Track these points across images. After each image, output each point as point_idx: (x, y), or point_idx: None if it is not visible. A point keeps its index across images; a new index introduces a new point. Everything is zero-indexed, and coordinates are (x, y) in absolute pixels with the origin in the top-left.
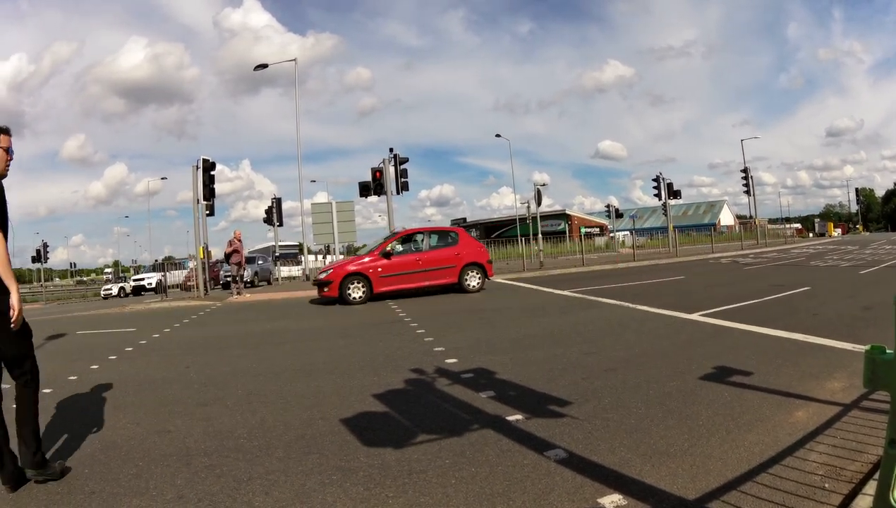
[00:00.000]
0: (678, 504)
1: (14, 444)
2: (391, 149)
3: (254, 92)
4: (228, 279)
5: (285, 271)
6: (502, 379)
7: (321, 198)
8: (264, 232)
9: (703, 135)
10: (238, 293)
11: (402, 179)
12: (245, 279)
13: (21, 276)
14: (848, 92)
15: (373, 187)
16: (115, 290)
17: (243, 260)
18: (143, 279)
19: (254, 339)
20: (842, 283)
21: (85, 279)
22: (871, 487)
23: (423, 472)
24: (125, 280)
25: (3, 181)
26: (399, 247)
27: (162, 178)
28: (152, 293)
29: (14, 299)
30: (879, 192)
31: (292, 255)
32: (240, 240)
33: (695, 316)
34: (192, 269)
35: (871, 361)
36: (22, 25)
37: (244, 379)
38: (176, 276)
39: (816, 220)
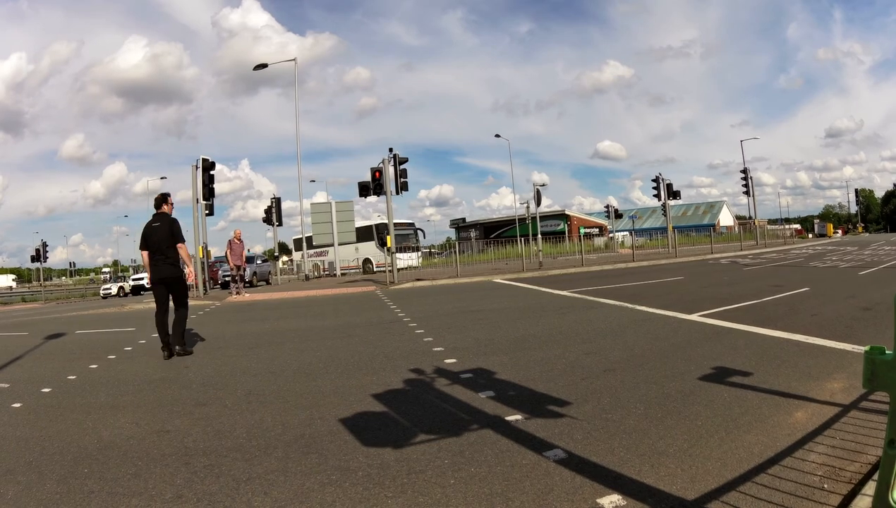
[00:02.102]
0: (677, 505)
1: None
2: (391, 149)
3: (253, 92)
4: (227, 278)
5: (402, 261)
6: (501, 379)
7: (321, 197)
8: (264, 231)
9: (702, 136)
10: (238, 292)
11: (402, 179)
12: (245, 279)
13: (20, 276)
14: (848, 92)
15: (372, 187)
16: (114, 290)
17: (243, 259)
18: (142, 278)
19: (253, 339)
20: (841, 284)
21: (94, 278)
22: (870, 488)
23: (421, 472)
24: (124, 279)
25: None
26: None
27: (161, 178)
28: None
29: (189, 270)
30: (879, 193)
31: (405, 237)
32: (240, 240)
33: (694, 317)
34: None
35: (871, 362)
36: (21, 25)
37: (243, 379)
38: None
39: (816, 221)
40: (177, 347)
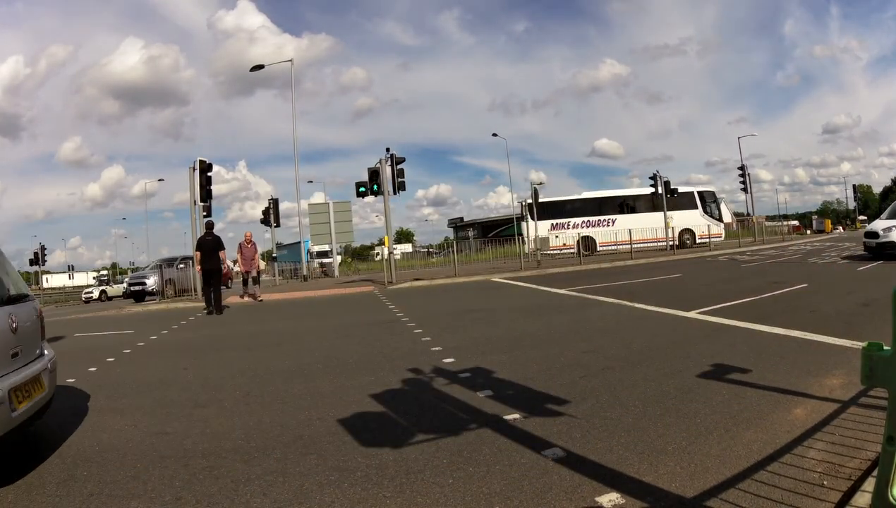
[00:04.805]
0: (676, 503)
1: None
2: (388, 149)
3: (249, 93)
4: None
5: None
6: (500, 378)
7: (318, 198)
8: (262, 233)
9: (700, 133)
10: (249, 295)
11: (399, 179)
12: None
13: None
14: (845, 89)
15: (369, 187)
16: (96, 293)
17: (256, 261)
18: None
19: (251, 340)
20: (840, 280)
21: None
22: (869, 484)
23: (420, 472)
24: (108, 282)
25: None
26: None
27: (159, 180)
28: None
29: (225, 266)
30: (877, 189)
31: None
32: (250, 242)
33: (692, 314)
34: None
35: (869, 358)
36: (18, 28)
37: (242, 381)
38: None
39: (814, 217)
40: (215, 313)
